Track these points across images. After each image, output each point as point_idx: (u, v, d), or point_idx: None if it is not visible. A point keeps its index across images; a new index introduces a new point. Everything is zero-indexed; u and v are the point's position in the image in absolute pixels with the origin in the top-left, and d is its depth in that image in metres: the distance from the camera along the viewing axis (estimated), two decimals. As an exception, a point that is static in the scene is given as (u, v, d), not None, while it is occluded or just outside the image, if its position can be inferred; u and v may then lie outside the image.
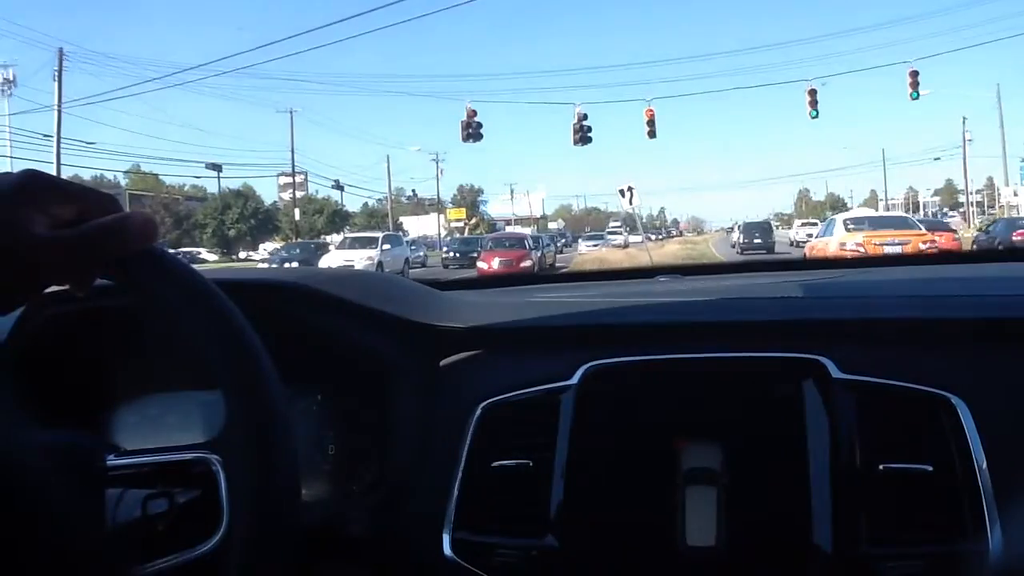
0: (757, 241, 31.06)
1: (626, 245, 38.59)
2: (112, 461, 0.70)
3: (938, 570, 0.81)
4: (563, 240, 47.91)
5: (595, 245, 41.17)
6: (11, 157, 27.55)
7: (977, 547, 0.81)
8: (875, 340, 0.95)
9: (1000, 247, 14.62)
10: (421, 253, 32.27)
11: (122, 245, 0.54)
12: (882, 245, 14.41)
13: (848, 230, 16.25)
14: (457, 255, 30.34)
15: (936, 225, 21.01)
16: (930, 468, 0.85)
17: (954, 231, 21.12)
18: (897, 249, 13.10)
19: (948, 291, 1.12)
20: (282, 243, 35.79)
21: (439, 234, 48.33)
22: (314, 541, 0.91)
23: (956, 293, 1.09)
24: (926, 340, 0.94)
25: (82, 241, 0.53)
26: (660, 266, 1.63)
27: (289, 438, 0.57)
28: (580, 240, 47.53)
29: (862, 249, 14.20)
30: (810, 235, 23.90)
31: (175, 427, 1.01)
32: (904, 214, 24.28)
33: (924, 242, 14.88)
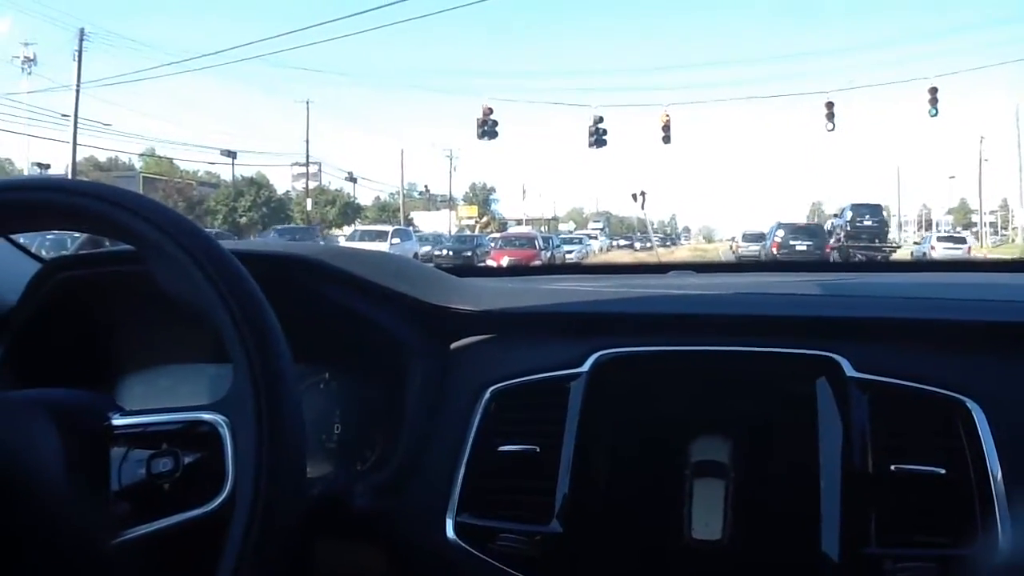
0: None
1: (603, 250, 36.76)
2: (117, 420, 0.70)
3: (947, 574, 0.80)
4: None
5: (568, 252, 29.61)
6: (29, 135, 27.80)
7: (988, 552, 0.80)
8: (891, 340, 0.94)
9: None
10: (417, 250, 25.94)
11: None
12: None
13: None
14: (451, 253, 25.85)
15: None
16: (943, 471, 0.84)
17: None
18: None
19: (968, 295, 1.10)
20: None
21: (450, 231, 48.13)
22: (317, 518, 0.91)
23: (976, 297, 1.08)
24: (943, 342, 0.93)
25: None
26: (673, 263, 1.62)
27: (296, 397, 0.56)
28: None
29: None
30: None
31: (185, 399, 1.00)
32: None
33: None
